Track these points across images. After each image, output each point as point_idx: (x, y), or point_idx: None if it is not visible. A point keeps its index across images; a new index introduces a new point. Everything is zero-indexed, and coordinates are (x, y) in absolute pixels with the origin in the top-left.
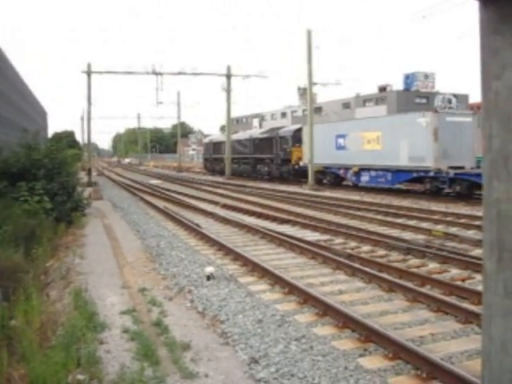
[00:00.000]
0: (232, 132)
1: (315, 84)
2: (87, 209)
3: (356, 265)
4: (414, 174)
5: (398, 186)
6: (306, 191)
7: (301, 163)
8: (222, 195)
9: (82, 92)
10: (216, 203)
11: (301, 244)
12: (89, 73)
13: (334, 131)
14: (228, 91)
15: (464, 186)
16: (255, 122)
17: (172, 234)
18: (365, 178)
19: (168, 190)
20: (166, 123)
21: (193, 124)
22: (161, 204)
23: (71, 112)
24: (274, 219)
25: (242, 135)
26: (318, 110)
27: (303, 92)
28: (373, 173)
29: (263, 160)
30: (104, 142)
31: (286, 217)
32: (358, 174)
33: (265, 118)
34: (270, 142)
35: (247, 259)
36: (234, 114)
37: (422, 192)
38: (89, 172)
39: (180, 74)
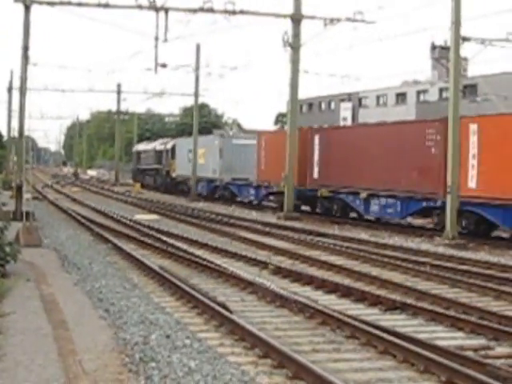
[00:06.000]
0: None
1: (466, 40)
2: (11, 263)
3: None
4: (217, 183)
5: None
6: (439, 249)
7: (173, 174)
8: (272, 248)
9: (13, 41)
10: (262, 264)
11: (427, 354)
12: (27, 3)
13: (188, 146)
14: (296, 46)
15: (229, 193)
16: (344, 109)
17: (174, 320)
18: (199, 187)
19: (170, 235)
20: (170, 106)
21: (223, 110)
22: (155, 261)
23: None
24: (375, 301)
25: (149, 146)
26: (471, 89)
27: (441, 54)
28: (203, 183)
29: (158, 171)
30: (49, 135)
31: (398, 298)
32: (197, 185)
33: (364, 103)
34: (161, 154)
35: (320, 378)
36: (305, 93)
37: None
38: (18, 192)
39: (202, 11)
